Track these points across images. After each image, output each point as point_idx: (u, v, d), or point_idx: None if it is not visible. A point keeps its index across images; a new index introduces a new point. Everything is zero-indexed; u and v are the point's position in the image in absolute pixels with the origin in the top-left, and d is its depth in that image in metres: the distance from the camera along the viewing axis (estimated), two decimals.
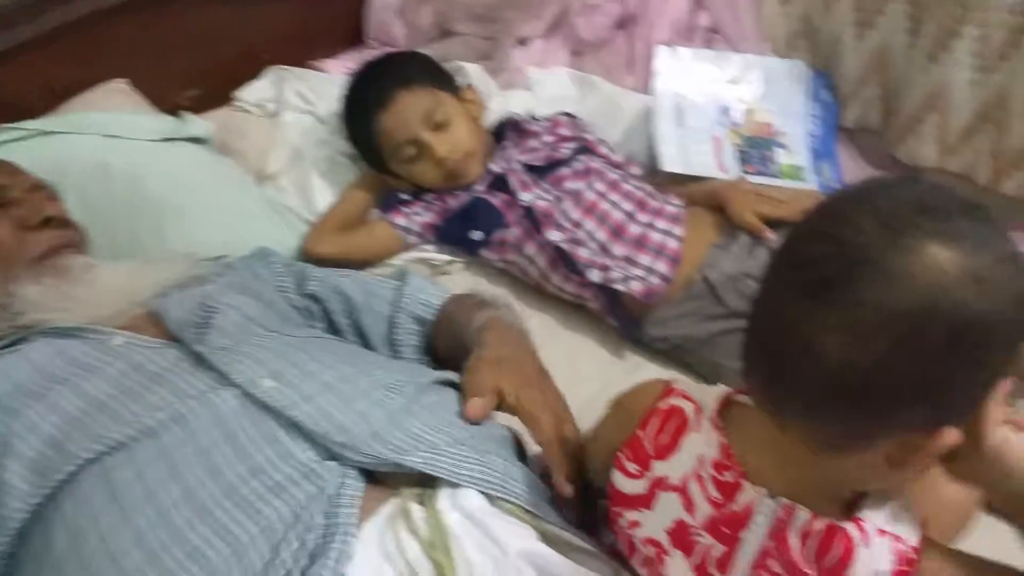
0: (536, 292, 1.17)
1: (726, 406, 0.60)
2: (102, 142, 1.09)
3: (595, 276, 1.04)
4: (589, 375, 1.07)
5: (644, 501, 0.61)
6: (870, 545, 0.55)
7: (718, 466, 0.58)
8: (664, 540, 0.60)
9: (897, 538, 0.56)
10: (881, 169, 1.32)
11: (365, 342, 0.92)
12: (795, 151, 1.29)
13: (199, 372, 0.70)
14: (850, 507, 0.57)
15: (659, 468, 0.61)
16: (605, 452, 0.65)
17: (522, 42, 1.37)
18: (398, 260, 1.20)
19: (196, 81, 1.28)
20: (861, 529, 0.55)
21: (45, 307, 0.78)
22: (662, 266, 1.05)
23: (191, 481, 0.62)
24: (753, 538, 0.57)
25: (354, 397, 0.69)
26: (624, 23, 1.39)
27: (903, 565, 0.56)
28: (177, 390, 0.68)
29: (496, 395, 0.73)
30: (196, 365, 0.71)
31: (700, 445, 0.59)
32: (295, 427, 0.65)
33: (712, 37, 1.41)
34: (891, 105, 1.30)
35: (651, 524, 0.61)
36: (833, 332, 0.46)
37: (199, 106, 1.25)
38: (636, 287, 1.03)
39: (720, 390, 0.61)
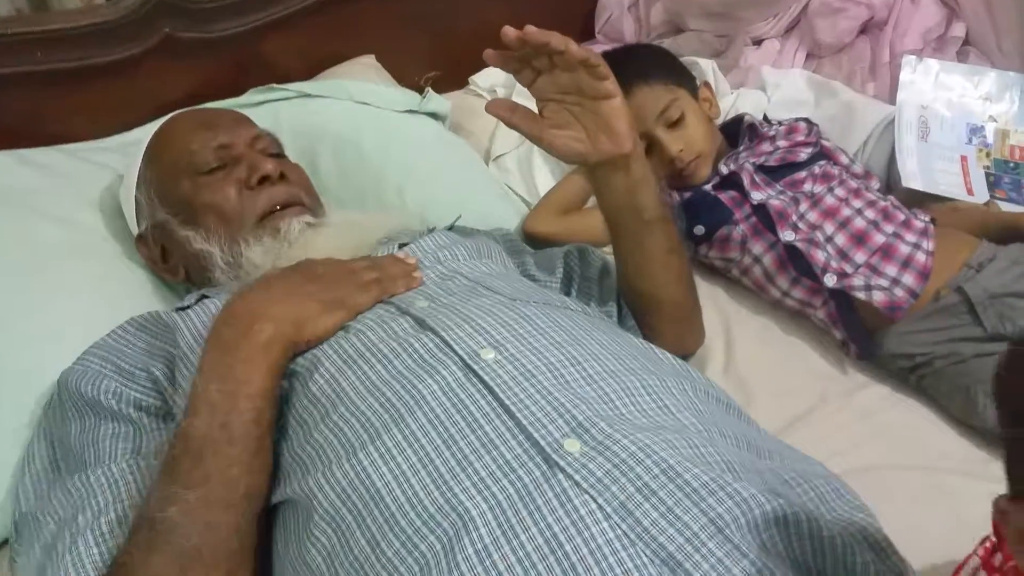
0: (753, 294, 1.13)
1: None
2: (355, 108, 1.16)
3: (831, 281, 0.99)
4: (802, 389, 1.01)
5: None
6: None
7: None
8: None
9: None
10: None
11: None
12: None
13: (423, 333, 0.67)
14: None
15: None
16: None
17: (756, 41, 1.33)
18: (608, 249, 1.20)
19: (434, 63, 1.35)
20: None
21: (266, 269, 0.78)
22: (909, 279, 0.97)
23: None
24: None
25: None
26: (868, 28, 1.32)
27: None
28: (412, 359, 0.65)
29: None
30: (420, 326, 0.69)
31: None
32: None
33: (966, 50, 1.32)
34: None
35: None
36: None
37: (437, 87, 1.31)
38: (879, 297, 0.96)
39: None
